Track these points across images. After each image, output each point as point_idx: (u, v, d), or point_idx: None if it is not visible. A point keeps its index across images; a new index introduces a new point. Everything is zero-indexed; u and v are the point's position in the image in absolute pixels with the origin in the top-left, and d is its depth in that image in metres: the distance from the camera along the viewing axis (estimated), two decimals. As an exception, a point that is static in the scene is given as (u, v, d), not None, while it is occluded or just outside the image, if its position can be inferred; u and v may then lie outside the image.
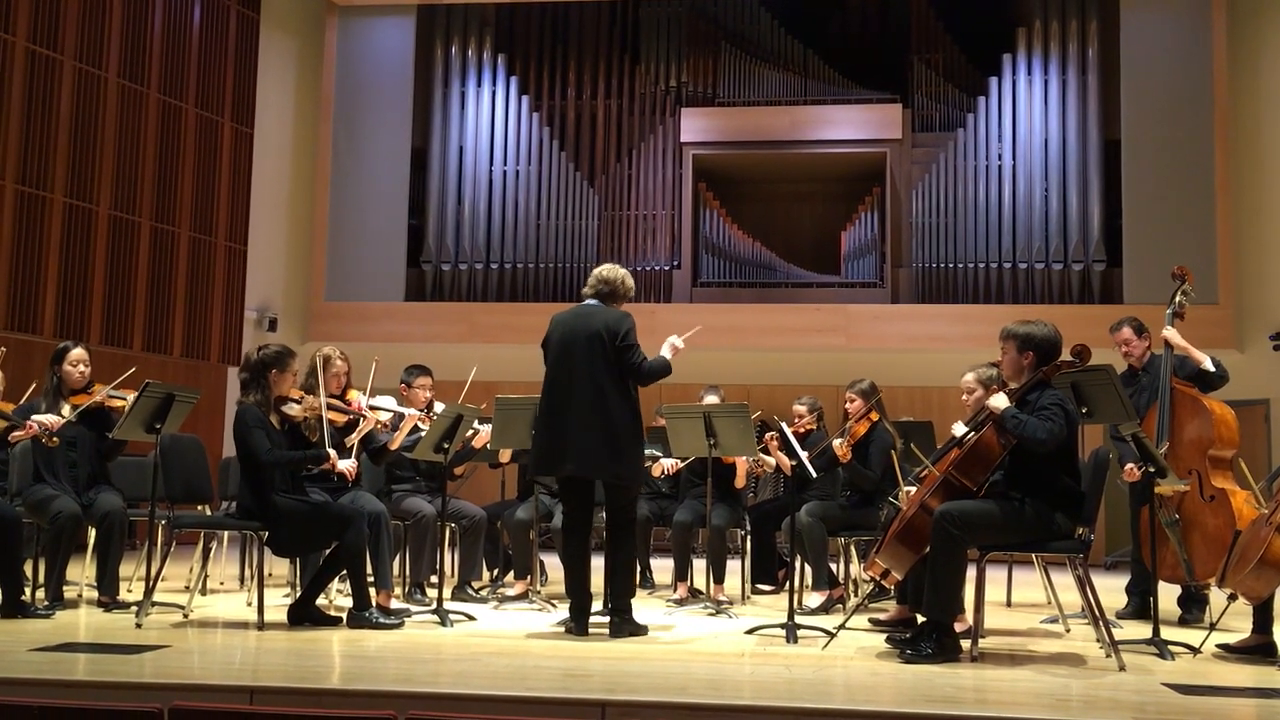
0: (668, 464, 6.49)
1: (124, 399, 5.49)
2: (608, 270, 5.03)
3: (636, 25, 12.18)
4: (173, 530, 5.34)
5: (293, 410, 5.02)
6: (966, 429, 4.63)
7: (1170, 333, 5.53)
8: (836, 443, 5.90)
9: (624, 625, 4.77)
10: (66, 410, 5.45)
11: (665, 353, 4.92)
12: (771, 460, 6.33)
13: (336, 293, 11.51)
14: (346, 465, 5.25)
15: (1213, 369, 5.56)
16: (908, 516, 4.42)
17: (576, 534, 4.92)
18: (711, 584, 5.91)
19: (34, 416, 5.24)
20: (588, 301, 4.99)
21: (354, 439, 5.37)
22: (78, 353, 5.60)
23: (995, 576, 5.65)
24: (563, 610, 5.05)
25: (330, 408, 5.20)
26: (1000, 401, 4.39)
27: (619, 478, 4.79)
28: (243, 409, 4.91)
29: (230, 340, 10.81)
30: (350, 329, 11.10)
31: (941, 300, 10.99)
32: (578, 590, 4.83)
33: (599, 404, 4.72)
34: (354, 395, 5.70)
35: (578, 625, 4.77)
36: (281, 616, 4.92)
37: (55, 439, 5.22)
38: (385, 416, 5.62)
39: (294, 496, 4.90)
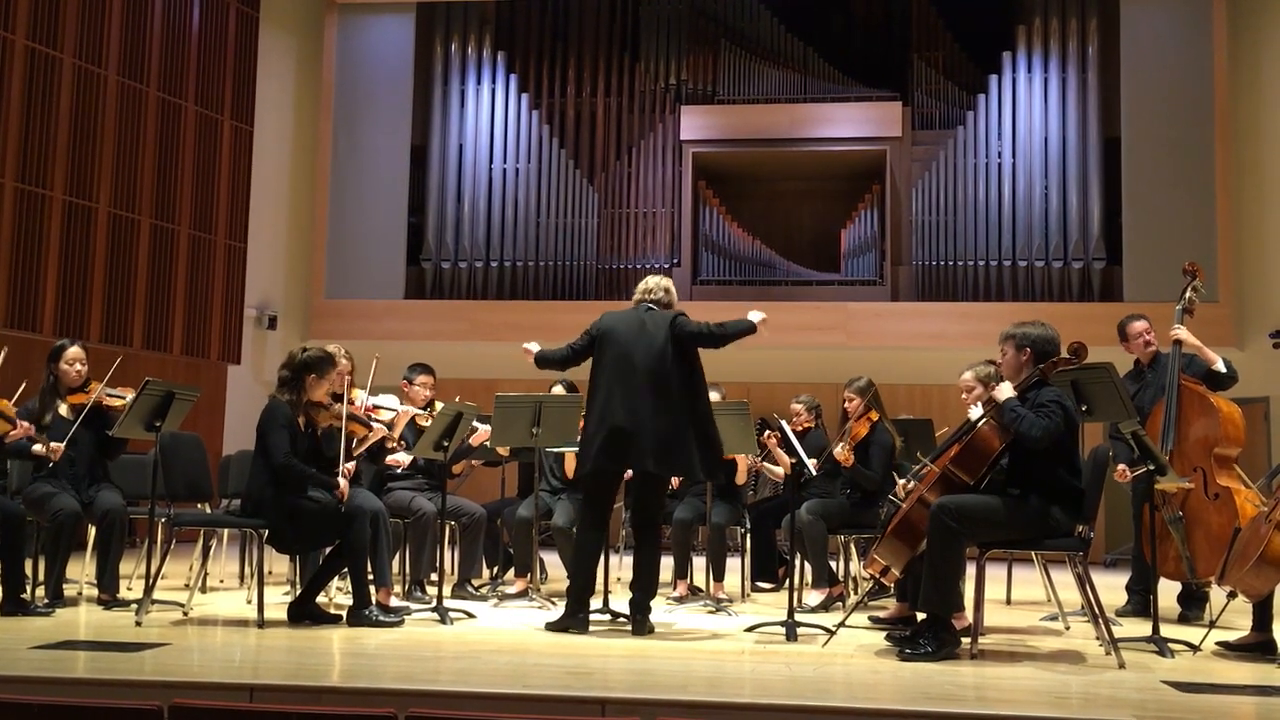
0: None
1: (122, 398, 5.49)
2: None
3: (636, 23, 12.17)
4: (173, 528, 5.34)
5: (320, 416, 5.08)
6: (982, 413, 4.60)
7: (1182, 331, 5.51)
8: (838, 449, 5.89)
9: (646, 622, 4.80)
10: (64, 409, 5.46)
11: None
12: (779, 470, 6.32)
13: (336, 290, 11.50)
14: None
15: (1224, 369, 5.54)
16: (905, 511, 4.43)
17: (603, 531, 4.97)
18: (711, 582, 5.92)
19: (36, 447, 5.28)
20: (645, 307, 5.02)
21: (360, 450, 5.37)
22: (74, 351, 5.58)
23: (995, 574, 5.66)
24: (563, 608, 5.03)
25: (351, 418, 5.22)
26: (1005, 391, 4.39)
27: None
28: (275, 404, 4.95)
29: (230, 338, 10.81)
30: (350, 327, 11.09)
31: (941, 298, 10.99)
32: (589, 587, 4.87)
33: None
34: (356, 394, 5.71)
35: (578, 621, 4.78)
36: (281, 614, 4.92)
37: (55, 447, 5.25)
38: (386, 417, 5.65)
39: (299, 495, 4.90)
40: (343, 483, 4.98)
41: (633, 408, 4.75)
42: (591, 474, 4.84)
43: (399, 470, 5.92)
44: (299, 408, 4.98)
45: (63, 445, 5.30)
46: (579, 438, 5.05)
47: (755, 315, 4.89)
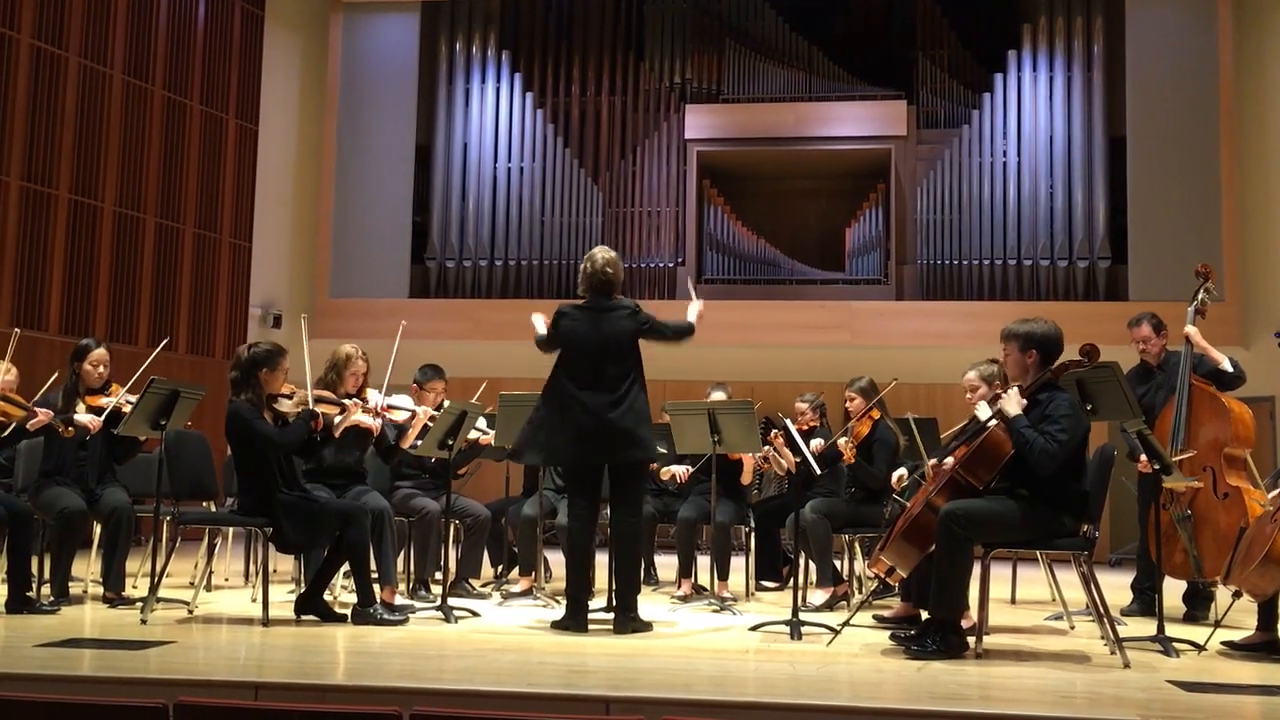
0: (679, 470, 6.47)
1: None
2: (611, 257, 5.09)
3: (641, 21, 12.17)
4: (178, 526, 5.35)
5: (284, 406, 5.03)
6: (990, 413, 4.57)
7: (1192, 331, 5.51)
8: (841, 441, 5.89)
9: (629, 621, 4.78)
10: (81, 409, 5.46)
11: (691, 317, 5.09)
12: (783, 460, 6.31)
13: (341, 289, 11.52)
14: (368, 421, 5.26)
15: (1230, 369, 5.53)
16: (913, 515, 4.41)
17: (592, 525, 4.99)
18: (716, 581, 5.91)
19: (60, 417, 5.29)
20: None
21: (340, 429, 5.36)
22: (99, 353, 5.59)
23: (1000, 573, 5.66)
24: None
25: (319, 400, 5.18)
26: (1013, 406, 4.34)
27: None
28: (235, 406, 4.89)
29: (235, 337, 10.83)
30: (354, 326, 11.07)
31: (946, 297, 10.98)
32: (585, 585, 4.86)
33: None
34: (370, 394, 5.71)
35: (578, 621, 4.78)
36: (286, 612, 4.93)
37: (70, 429, 5.24)
38: (400, 416, 5.63)
39: (296, 494, 4.91)
40: (349, 403, 5.08)
41: (596, 403, 4.77)
42: (569, 467, 4.89)
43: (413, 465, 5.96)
44: (261, 405, 4.94)
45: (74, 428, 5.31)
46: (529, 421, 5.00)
47: (693, 312, 5.07)
